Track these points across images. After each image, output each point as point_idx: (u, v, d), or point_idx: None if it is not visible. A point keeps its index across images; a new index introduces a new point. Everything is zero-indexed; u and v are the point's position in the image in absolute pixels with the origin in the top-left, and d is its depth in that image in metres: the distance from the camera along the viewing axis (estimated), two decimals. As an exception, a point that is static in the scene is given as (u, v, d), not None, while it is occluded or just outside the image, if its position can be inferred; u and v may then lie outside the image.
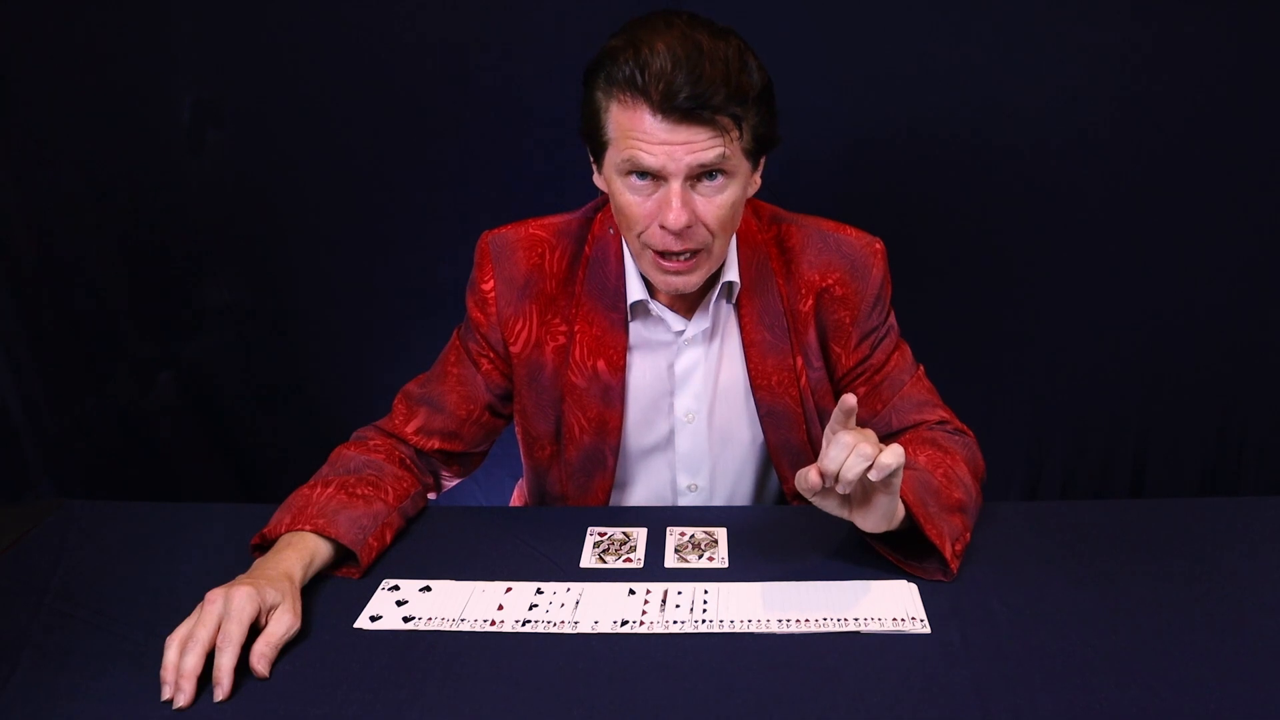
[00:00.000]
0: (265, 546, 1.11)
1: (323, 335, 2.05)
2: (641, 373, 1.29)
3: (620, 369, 1.27)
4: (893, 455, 0.95)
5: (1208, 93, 1.84)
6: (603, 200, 1.28)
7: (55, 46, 1.84)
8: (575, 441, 1.31)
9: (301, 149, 1.93)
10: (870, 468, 0.94)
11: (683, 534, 1.18)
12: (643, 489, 1.37)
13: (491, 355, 1.31)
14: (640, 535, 1.18)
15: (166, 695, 0.91)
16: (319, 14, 1.84)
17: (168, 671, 0.92)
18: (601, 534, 1.18)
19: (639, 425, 1.31)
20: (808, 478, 0.96)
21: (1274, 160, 1.88)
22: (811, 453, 1.31)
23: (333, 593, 1.07)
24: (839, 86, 1.87)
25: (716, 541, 1.16)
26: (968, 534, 1.12)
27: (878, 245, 1.29)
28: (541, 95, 1.83)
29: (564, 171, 1.86)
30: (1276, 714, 0.85)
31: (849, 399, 0.96)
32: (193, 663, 0.91)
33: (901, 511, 1.03)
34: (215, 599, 0.96)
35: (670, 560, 1.13)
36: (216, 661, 0.92)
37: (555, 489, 1.37)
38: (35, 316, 1.98)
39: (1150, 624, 0.98)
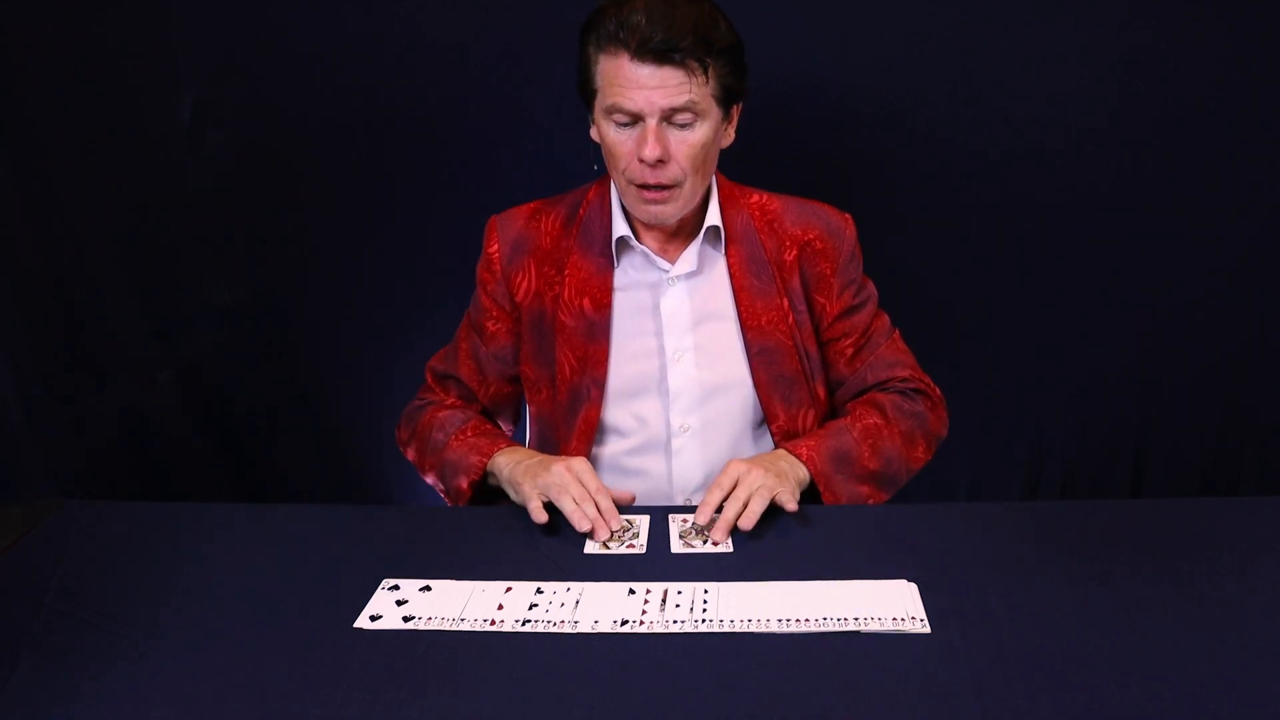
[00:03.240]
0: (480, 490, 1.34)
1: (323, 335, 2.05)
2: (628, 310, 1.39)
3: (605, 306, 1.38)
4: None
5: (1209, 90, 1.84)
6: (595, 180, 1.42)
7: (56, 46, 1.84)
8: (566, 380, 1.38)
9: (302, 149, 1.93)
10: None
11: (685, 520, 1.20)
12: (639, 432, 1.40)
13: (496, 313, 1.43)
14: (643, 523, 1.19)
15: (601, 535, 1.16)
16: (319, 14, 1.84)
17: (582, 521, 1.16)
18: None
19: (627, 361, 1.39)
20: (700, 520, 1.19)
21: (1274, 160, 1.88)
22: (805, 382, 1.41)
23: (333, 593, 1.07)
24: (839, 84, 1.87)
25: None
26: (874, 499, 1.35)
27: (847, 215, 1.44)
28: (542, 95, 1.83)
29: (563, 171, 1.85)
30: (1276, 714, 0.85)
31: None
32: (604, 505, 1.18)
33: (806, 482, 1.29)
34: (557, 469, 1.21)
35: (676, 545, 1.16)
36: (601, 507, 1.18)
37: (552, 434, 1.44)
38: (35, 316, 1.97)
39: (1150, 624, 0.98)
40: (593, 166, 1.41)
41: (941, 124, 1.88)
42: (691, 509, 1.23)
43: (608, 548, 1.16)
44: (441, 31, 1.85)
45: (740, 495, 1.18)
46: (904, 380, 1.44)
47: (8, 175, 1.89)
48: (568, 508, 1.18)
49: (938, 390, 1.47)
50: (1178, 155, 1.88)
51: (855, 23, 1.83)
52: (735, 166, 1.45)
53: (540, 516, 1.18)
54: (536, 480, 1.22)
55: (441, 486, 1.41)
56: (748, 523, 1.16)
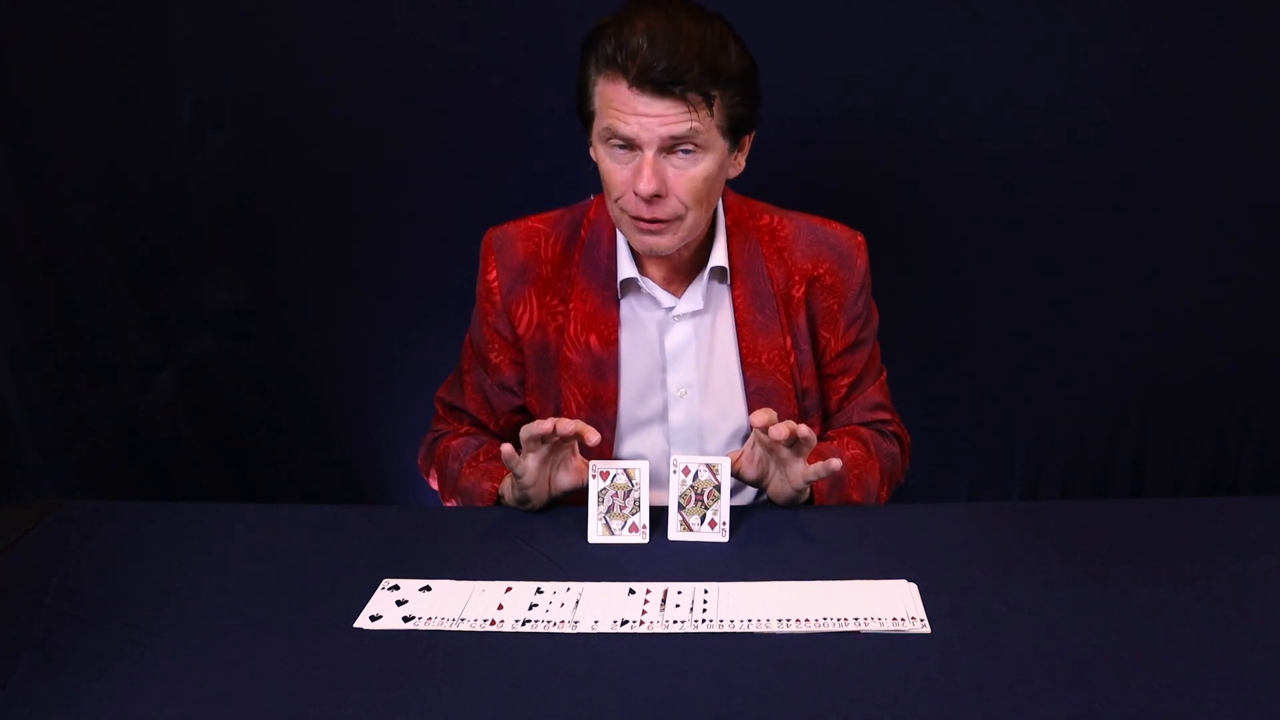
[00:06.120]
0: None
1: (323, 335, 2.05)
2: (633, 348, 1.35)
3: (612, 344, 1.33)
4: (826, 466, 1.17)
5: (1208, 90, 1.85)
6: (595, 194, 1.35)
7: (56, 46, 1.84)
8: (572, 417, 1.32)
9: (301, 149, 1.93)
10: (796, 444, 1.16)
11: (686, 471, 1.18)
12: None
13: (499, 344, 1.38)
14: (643, 471, 1.19)
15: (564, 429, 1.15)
16: (319, 14, 1.84)
17: (545, 424, 1.15)
18: (605, 475, 1.19)
19: (633, 399, 1.36)
20: (764, 417, 1.14)
21: (1274, 160, 1.88)
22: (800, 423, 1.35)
23: (333, 593, 1.07)
24: (838, 87, 1.87)
25: (719, 489, 1.18)
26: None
27: (859, 238, 1.38)
28: (542, 96, 1.83)
29: (564, 173, 1.85)
30: (1276, 714, 0.86)
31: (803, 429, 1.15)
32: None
33: (805, 497, 1.24)
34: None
35: (674, 530, 1.17)
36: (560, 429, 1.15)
37: None
38: (35, 316, 1.97)
39: (1150, 624, 0.98)
40: (589, 195, 1.37)
41: (942, 127, 1.89)
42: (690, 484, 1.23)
43: (610, 530, 1.16)
44: (442, 33, 1.85)
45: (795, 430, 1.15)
46: (884, 423, 1.43)
47: (7, 174, 1.89)
48: (536, 436, 1.16)
49: (908, 437, 1.46)
50: (1178, 156, 1.88)
51: (859, 27, 1.84)
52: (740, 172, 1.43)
53: (540, 427, 1.17)
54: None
55: None
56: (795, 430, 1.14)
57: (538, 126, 1.87)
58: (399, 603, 1.05)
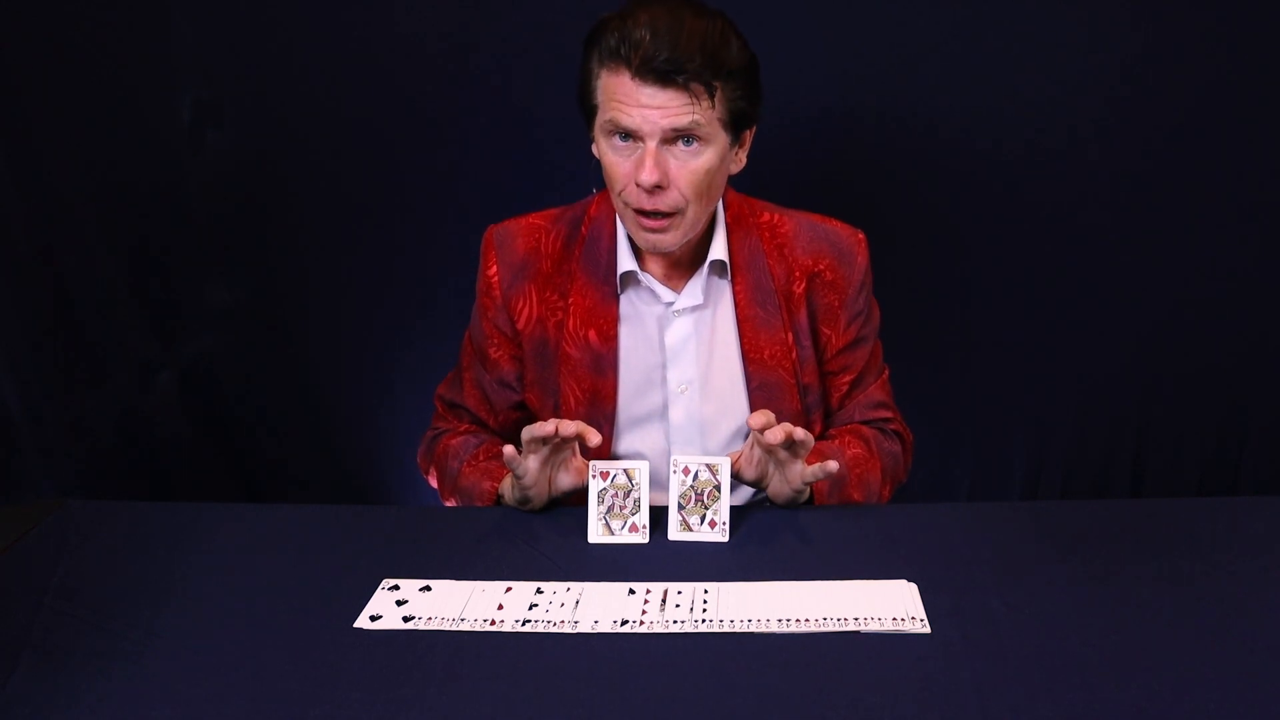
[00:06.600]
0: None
1: (323, 335, 2.05)
2: (633, 343, 1.35)
3: (611, 339, 1.33)
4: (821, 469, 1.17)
5: (1208, 90, 1.84)
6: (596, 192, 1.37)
7: (56, 46, 1.84)
8: (571, 413, 1.34)
9: (301, 149, 1.93)
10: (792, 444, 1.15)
11: (686, 471, 1.19)
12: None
13: (498, 339, 1.38)
14: (643, 472, 1.19)
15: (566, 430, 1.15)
16: (319, 14, 1.84)
17: (547, 426, 1.15)
18: (605, 475, 1.19)
19: (632, 395, 1.36)
20: (762, 419, 1.14)
21: (1274, 160, 1.88)
22: (802, 418, 1.37)
23: (333, 593, 1.07)
24: (838, 85, 1.87)
25: (719, 490, 1.18)
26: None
27: (860, 235, 1.38)
28: (543, 96, 1.83)
29: (564, 172, 1.86)
30: (1276, 714, 0.86)
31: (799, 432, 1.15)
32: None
33: (805, 497, 1.24)
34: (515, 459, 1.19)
35: (674, 530, 1.17)
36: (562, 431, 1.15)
37: None
38: (35, 317, 1.97)
39: (1150, 624, 0.98)
40: (591, 190, 1.37)
41: (942, 127, 1.89)
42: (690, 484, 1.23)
43: (610, 530, 1.16)
44: (442, 33, 1.85)
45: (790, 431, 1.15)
46: (886, 421, 1.43)
47: (7, 174, 1.89)
48: (538, 438, 1.16)
49: (910, 436, 1.46)
50: (1178, 155, 1.88)
51: (860, 27, 1.84)
52: (742, 171, 1.43)
53: (542, 430, 1.16)
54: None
55: None
56: (787, 434, 1.14)
57: (538, 126, 1.87)
58: (399, 603, 1.05)
